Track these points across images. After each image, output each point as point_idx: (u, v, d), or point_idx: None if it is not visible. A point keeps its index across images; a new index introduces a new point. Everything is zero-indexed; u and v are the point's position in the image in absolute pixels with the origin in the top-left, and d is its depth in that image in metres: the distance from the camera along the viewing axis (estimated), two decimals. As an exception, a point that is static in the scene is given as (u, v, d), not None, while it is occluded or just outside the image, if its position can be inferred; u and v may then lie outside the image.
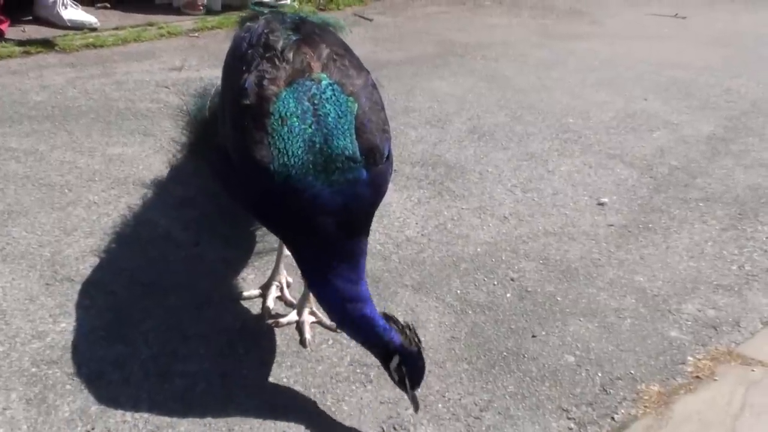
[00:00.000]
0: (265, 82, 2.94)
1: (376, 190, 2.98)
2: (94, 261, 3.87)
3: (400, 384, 2.84)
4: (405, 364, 2.78)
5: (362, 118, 2.96)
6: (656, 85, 7.26)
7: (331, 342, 3.42)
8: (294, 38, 3.16)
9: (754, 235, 4.50)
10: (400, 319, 2.87)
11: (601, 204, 4.80)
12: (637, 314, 3.73)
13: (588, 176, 5.20)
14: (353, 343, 3.39)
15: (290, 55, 3.04)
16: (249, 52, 3.15)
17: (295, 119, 2.85)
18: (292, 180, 2.79)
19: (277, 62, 3.01)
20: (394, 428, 2.97)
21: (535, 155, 5.50)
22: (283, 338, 3.41)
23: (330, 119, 2.88)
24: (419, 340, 2.84)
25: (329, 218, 2.83)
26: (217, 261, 3.95)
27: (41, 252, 3.92)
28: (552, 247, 4.28)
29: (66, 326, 3.38)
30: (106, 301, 3.57)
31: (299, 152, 2.81)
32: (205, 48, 7.64)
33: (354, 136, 2.89)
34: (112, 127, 5.53)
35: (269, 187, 2.83)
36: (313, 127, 2.85)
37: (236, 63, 3.20)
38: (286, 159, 2.80)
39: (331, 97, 2.94)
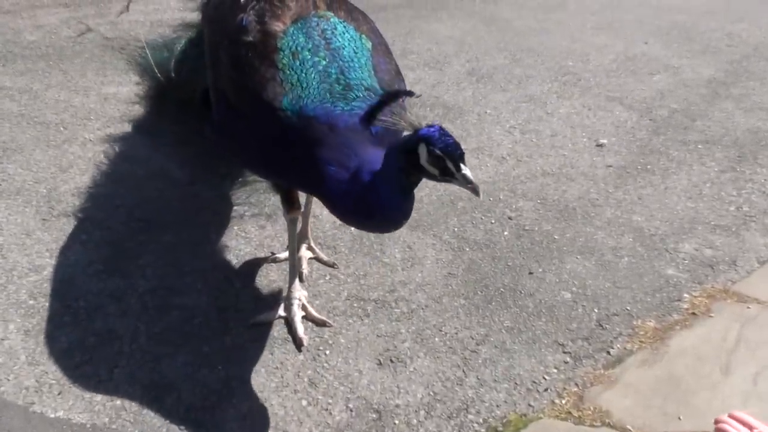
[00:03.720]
0: (267, 18, 2.79)
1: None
2: (90, 197, 3.86)
3: (444, 173, 2.29)
4: (432, 144, 2.26)
5: (377, 58, 2.80)
6: (657, 28, 7.17)
7: (328, 277, 3.43)
8: None
9: (752, 177, 4.48)
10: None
11: (600, 145, 4.77)
12: (634, 253, 3.73)
13: (587, 118, 5.16)
14: (350, 278, 3.43)
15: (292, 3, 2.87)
16: None
17: (306, 53, 2.66)
18: (307, 110, 2.53)
19: (277, 3, 2.85)
20: (391, 360, 2.99)
21: (534, 97, 5.45)
22: (280, 273, 3.41)
23: (345, 52, 2.70)
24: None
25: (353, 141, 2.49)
26: (214, 198, 3.93)
27: (37, 188, 3.90)
28: (550, 187, 4.26)
29: (63, 260, 3.39)
30: (102, 237, 3.57)
31: (314, 83, 2.58)
32: (201, -11, 7.51)
33: (372, 72, 2.71)
34: (107, 66, 5.47)
35: (283, 125, 2.56)
36: (327, 59, 2.65)
37: (225, 10, 3.00)
38: (300, 91, 2.57)
39: (344, 33, 2.78)
